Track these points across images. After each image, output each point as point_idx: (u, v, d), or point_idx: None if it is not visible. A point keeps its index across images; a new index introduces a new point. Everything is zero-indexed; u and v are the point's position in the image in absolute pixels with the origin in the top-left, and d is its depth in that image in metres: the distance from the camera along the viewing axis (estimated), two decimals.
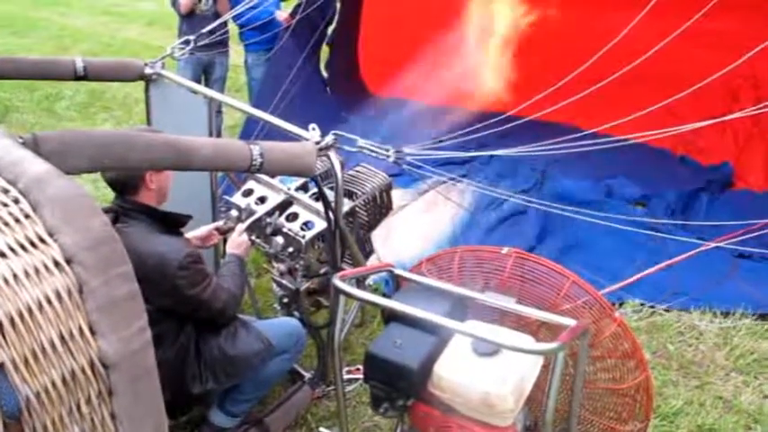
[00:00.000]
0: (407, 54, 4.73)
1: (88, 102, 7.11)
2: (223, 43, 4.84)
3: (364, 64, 6.16)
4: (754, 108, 2.81)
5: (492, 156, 4.70)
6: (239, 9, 4.35)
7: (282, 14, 5.07)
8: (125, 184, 2.20)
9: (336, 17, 5.37)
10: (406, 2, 5.57)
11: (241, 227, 2.49)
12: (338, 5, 5.21)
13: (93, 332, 0.98)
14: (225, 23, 5.00)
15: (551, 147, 2.54)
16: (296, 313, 2.59)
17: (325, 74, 5.81)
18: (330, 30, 5.42)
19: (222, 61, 5.17)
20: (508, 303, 1.64)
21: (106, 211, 2.18)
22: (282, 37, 4.80)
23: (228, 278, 2.32)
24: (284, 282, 2.55)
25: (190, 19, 5.06)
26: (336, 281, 1.60)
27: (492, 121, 2.68)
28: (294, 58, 4.86)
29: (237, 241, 2.46)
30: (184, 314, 2.19)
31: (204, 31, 3.40)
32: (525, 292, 1.78)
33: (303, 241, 2.40)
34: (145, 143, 1.51)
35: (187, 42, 3.18)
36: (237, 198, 2.62)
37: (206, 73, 5.14)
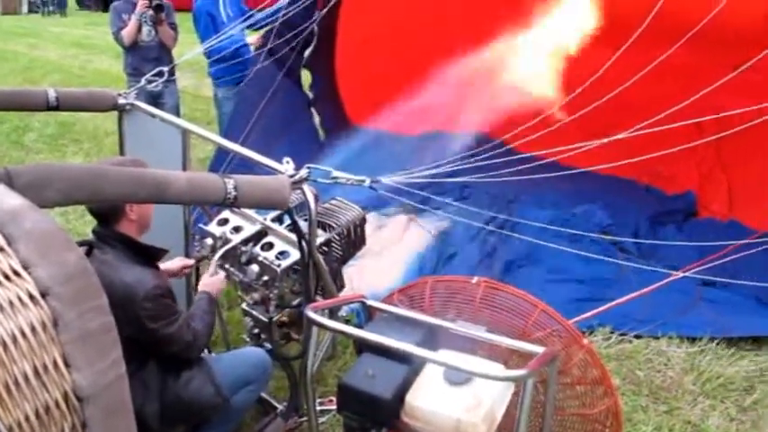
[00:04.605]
0: (386, 83, 4.78)
1: (57, 134, 7.07)
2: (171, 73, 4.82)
3: (344, 90, 6.17)
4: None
5: (465, 186, 4.81)
6: (208, 44, 4.40)
7: (251, 39, 5.11)
8: (107, 213, 2.24)
9: (314, 40, 5.35)
10: (380, 24, 5.61)
11: (214, 263, 2.50)
12: (315, 28, 5.19)
13: (67, 365, 0.98)
14: (172, 58, 5.06)
15: (520, 173, 2.62)
16: (266, 344, 2.59)
17: (310, 94, 5.81)
18: (307, 52, 5.35)
19: (172, 90, 5.19)
20: (478, 332, 1.67)
21: (80, 244, 2.19)
22: (255, 63, 4.77)
23: (198, 317, 2.34)
24: (255, 313, 2.56)
25: (134, 50, 5.13)
26: (309, 312, 1.62)
27: (466, 153, 2.75)
28: (271, 78, 4.79)
29: (209, 280, 2.49)
30: (148, 347, 2.19)
31: (179, 63, 3.43)
32: (495, 321, 1.81)
33: (278, 270, 2.41)
34: (118, 177, 1.52)
35: (161, 73, 3.21)
36: (212, 227, 2.63)
37: (157, 103, 5.13)
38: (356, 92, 6.02)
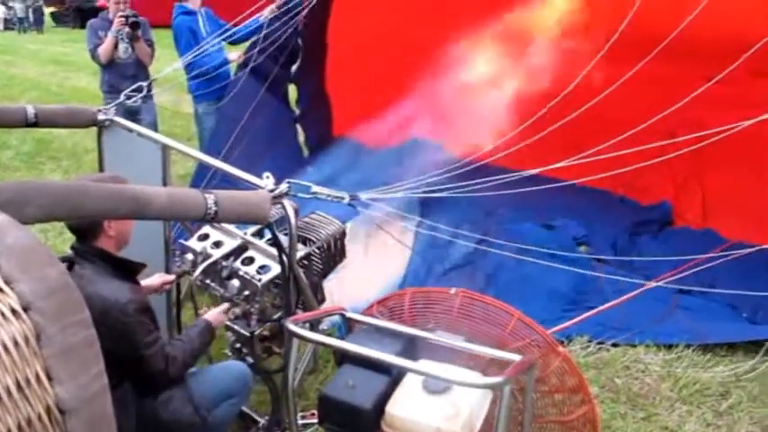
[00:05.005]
0: (376, 97, 4.79)
1: (35, 151, 7.02)
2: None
3: (335, 102, 6.19)
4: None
5: (441, 200, 4.84)
6: (188, 58, 4.40)
7: (233, 55, 5.12)
8: (85, 230, 2.25)
9: (300, 54, 5.32)
10: (371, 38, 5.64)
11: (225, 306, 2.52)
12: (300, 41, 5.18)
13: (50, 378, 0.99)
14: (148, 74, 5.05)
15: (500, 187, 2.65)
16: (248, 359, 2.60)
17: (296, 110, 5.81)
18: (294, 68, 5.38)
19: (149, 107, 5.14)
20: (457, 342, 1.70)
21: (61, 260, 2.20)
22: (236, 78, 4.76)
23: (179, 345, 2.34)
24: (236, 327, 2.57)
25: (111, 67, 5.13)
26: (289, 324, 1.64)
27: (444, 169, 2.78)
28: (255, 93, 4.78)
29: (218, 317, 2.49)
30: (126, 363, 2.17)
31: (157, 78, 3.44)
32: (473, 331, 1.85)
33: (259, 284, 2.43)
34: (99, 193, 1.53)
35: (140, 89, 3.22)
36: (193, 242, 2.64)
37: (134, 120, 5.07)
38: (346, 104, 6.05)
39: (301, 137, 5.87)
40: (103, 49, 5.02)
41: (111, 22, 5.01)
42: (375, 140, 5.34)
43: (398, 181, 2.55)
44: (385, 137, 5.44)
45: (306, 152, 5.91)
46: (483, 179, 2.66)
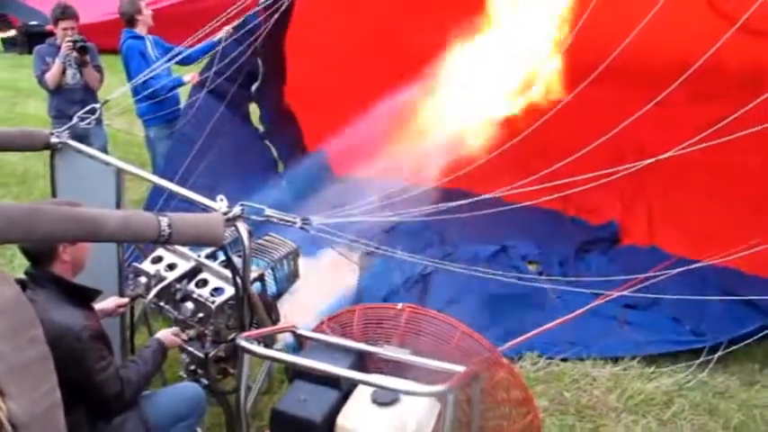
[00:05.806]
0: (342, 112, 4.82)
1: None
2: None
3: (302, 120, 6.19)
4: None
5: (397, 223, 4.92)
6: (136, 82, 4.39)
7: (188, 77, 5.10)
8: (40, 254, 2.25)
9: (260, 74, 5.27)
10: (332, 52, 5.64)
11: (175, 329, 2.54)
12: (258, 61, 5.11)
13: (2, 394, 1.03)
14: (97, 100, 5.00)
15: (453, 210, 2.73)
16: (203, 380, 2.61)
17: (260, 128, 5.77)
18: (254, 87, 5.31)
19: (98, 132, 5.08)
20: (402, 355, 1.77)
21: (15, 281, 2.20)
22: (195, 98, 4.71)
23: (133, 368, 2.35)
24: (191, 349, 2.58)
25: (58, 93, 5.09)
26: (241, 341, 1.68)
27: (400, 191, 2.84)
28: (214, 112, 4.76)
29: (170, 337, 2.52)
30: (81, 388, 2.17)
31: (107, 102, 3.43)
32: (421, 345, 1.91)
33: (213, 306, 2.45)
34: (52, 215, 1.56)
35: (93, 111, 3.22)
36: (146, 265, 2.65)
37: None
38: (314, 118, 6.06)
39: (275, 152, 5.85)
40: (51, 75, 4.97)
41: (58, 48, 4.96)
42: (343, 166, 5.39)
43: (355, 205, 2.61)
44: (353, 163, 5.48)
45: (281, 166, 5.88)
46: (436, 204, 2.73)
